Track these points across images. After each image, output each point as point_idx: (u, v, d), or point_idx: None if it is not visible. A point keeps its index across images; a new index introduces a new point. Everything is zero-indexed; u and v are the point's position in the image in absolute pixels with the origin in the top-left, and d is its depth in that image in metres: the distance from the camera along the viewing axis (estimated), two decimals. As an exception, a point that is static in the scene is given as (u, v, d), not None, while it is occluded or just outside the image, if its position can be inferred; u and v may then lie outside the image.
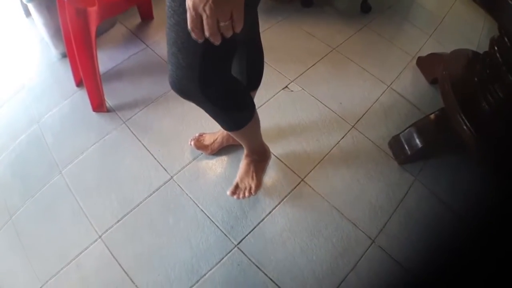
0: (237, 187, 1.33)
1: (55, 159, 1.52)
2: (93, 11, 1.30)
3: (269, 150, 1.38)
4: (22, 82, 1.78)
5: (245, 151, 1.32)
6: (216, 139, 1.48)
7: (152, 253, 1.28)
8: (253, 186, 1.32)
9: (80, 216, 1.36)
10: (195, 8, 0.57)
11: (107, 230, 1.33)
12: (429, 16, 2.21)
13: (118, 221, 1.35)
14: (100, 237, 1.31)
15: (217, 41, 0.62)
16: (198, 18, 0.59)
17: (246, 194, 1.32)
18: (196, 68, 0.81)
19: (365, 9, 2.10)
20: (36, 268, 1.27)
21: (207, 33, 0.60)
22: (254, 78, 1.20)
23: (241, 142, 1.26)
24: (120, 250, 1.29)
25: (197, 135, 1.51)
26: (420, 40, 2.02)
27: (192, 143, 1.49)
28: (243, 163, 1.34)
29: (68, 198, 1.41)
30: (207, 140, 1.49)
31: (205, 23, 0.59)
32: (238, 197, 1.33)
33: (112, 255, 1.28)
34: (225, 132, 1.45)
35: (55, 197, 1.42)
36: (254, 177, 1.33)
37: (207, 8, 0.56)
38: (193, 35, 0.61)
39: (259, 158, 1.34)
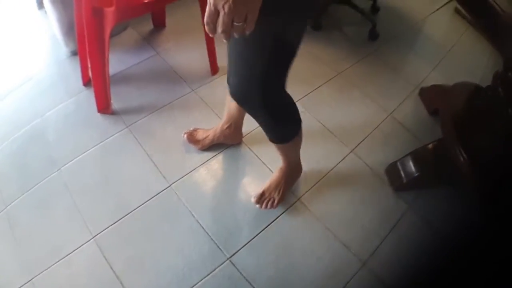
0: (262, 195, 1.40)
1: (55, 155, 1.52)
2: (109, 12, 1.32)
3: (301, 168, 1.44)
4: (29, 75, 1.79)
5: (281, 165, 1.38)
6: (208, 135, 1.53)
7: (144, 258, 1.28)
8: (276, 199, 1.40)
9: (75, 214, 1.37)
10: (215, 4, 0.61)
11: (101, 232, 1.33)
12: (435, 47, 2.26)
13: (113, 223, 1.35)
14: (93, 237, 1.31)
15: (226, 39, 0.66)
16: (215, 14, 0.62)
17: (269, 205, 1.40)
18: (260, 81, 0.88)
19: (373, 36, 2.15)
20: (27, 260, 1.27)
21: (219, 29, 0.64)
22: None
23: (282, 155, 1.31)
24: (112, 252, 1.29)
25: (191, 128, 1.56)
26: (424, 71, 2.06)
27: (185, 136, 1.54)
28: (276, 175, 1.41)
29: (65, 195, 1.41)
30: (200, 135, 1.55)
31: (221, 20, 0.62)
32: (261, 207, 1.39)
33: (104, 256, 1.28)
34: (218, 129, 1.50)
35: (52, 193, 1.42)
36: (281, 191, 1.40)
37: (226, 6, 0.60)
38: (206, 28, 0.65)
39: (292, 174, 1.42)
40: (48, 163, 1.50)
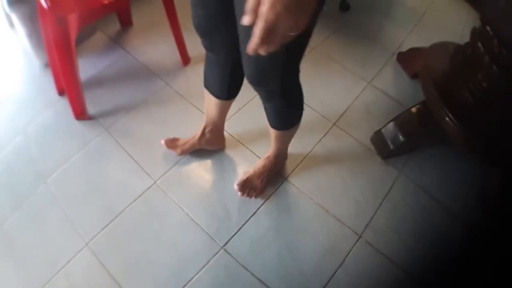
0: (246, 182, 1.38)
1: (40, 168, 1.51)
2: (73, 18, 1.31)
3: (287, 157, 1.46)
4: (6, 94, 1.77)
5: (269, 152, 1.38)
6: (188, 141, 1.48)
7: (139, 259, 1.28)
8: (258, 189, 1.39)
9: (66, 224, 1.36)
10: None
11: (93, 238, 1.32)
12: (409, 12, 2.23)
13: (104, 228, 1.34)
14: (86, 244, 1.31)
15: (257, 34, 0.56)
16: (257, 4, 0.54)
17: (250, 194, 1.39)
18: (281, 69, 0.89)
19: (344, 7, 2.12)
20: (27, 277, 1.26)
21: (260, 22, 0.54)
22: (234, 87, 1.22)
23: (276, 143, 1.31)
24: (107, 256, 1.28)
25: (171, 137, 1.50)
26: (401, 36, 2.04)
27: (163, 142, 1.48)
28: (261, 163, 1.40)
29: (54, 207, 1.41)
30: (180, 141, 1.49)
31: (265, 16, 0.53)
32: (242, 195, 1.37)
33: (100, 262, 1.27)
34: (198, 134, 1.45)
35: (42, 206, 1.41)
36: (264, 181, 1.40)
37: (278, 6, 0.52)
38: (246, 18, 0.55)
39: (278, 163, 1.42)
40: (34, 177, 1.49)
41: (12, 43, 1.96)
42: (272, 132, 1.22)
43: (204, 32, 0.99)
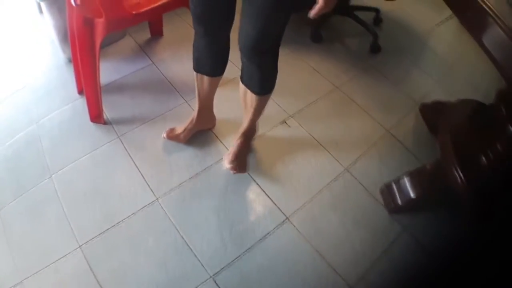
0: (234, 160, 1.47)
1: (47, 162, 1.54)
2: (100, 23, 1.32)
3: (258, 128, 1.58)
4: (26, 81, 1.80)
5: (242, 128, 1.49)
6: (186, 126, 1.56)
7: (128, 271, 1.28)
8: (242, 166, 1.50)
9: (64, 222, 1.38)
10: None
11: (87, 241, 1.33)
12: (439, 61, 2.19)
13: (99, 234, 1.35)
14: (80, 246, 1.32)
15: (322, 4, 0.90)
16: None
17: (238, 169, 1.48)
18: (278, 35, 1.12)
19: (374, 49, 2.10)
20: (18, 263, 1.29)
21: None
22: (224, 62, 1.37)
23: (254, 112, 1.39)
24: (97, 262, 1.29)
25: (168, 128, 1.58)
26: (427, 85, 2.00)
27: (165, 134, 1.56)
28: (238, 142, 1.49)
29: (55, 203, 1.43)
30: (178, 129, 1.57)
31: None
32: (235, 170, 1.47)
33: (89, 266, 1.28)
34: (194, 117, 1.55)
35: (43, 199, 1.44)
36: (245, 159, 1.53)
37: None
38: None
39: (251, 136, 1.55)
40: (40, 170, 1.52)
41: (40, 31, 1.99)
42: (255, 101, 1.32)
43: (199, 17, 1.18)
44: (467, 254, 1.43)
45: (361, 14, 2.15)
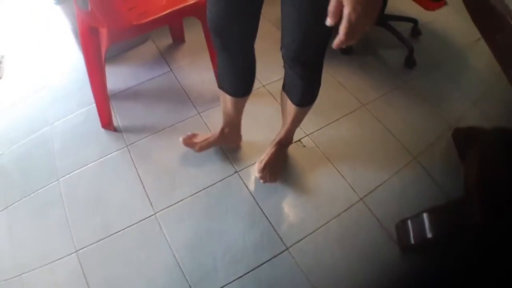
0: (264, 168, 1.43)
1: (57, 165, 1.56)
2: (104, 32, 1.31)
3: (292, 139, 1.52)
4: (46, 81, 1.85)
5: (278, 137, 1.44)
6: (207, 138, 1.50)
7: (119, 282, 1.27)
8: (272, 176, 1.45)
9: (64, 226, 1.40)
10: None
11: (83, 248, 1.34)
12: (478, 79, 1.96)
13: (95, 242, 1.35)
14: (76, 251, 1.33)
15: (343, 32, 0.67)
16: (339, 6, 0.64)
17: (269, 179, 1.44)
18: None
19: (409, 63, 1.93)
20: (17, 258, 1.33)
21: (345, 23, 0.65)
22: (248, 83, 1.28)
23: (293, 122, 1.34)
24: (91, 269, 1.29)
25: (189, 133, 1.52)
26: (463, 105, 1.79)
27: (182, 139, 1.50)
28: (271, 151, 1.45)
29: (59, 206, 1.45)
30: (198, 138, 1.52)
31: (348, 17, 0.64)
32: (264, 179, 1.43)
33: (83, 272, 1.28)
34: (217, 133, 1.48)
35: (48, 201, 1.47)
36: (277, 168, 1.47)
37: (359, 7, 0.62)
38: (329, 20, 0.66)
39: (286, 145, 1.51)
40: (49, 172, 1.54)
41: (60, 30, 2.00)
42: (293, 111, 1.27)
43: (216, 28, 1.06)
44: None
45: (397, 25, 1.97)
